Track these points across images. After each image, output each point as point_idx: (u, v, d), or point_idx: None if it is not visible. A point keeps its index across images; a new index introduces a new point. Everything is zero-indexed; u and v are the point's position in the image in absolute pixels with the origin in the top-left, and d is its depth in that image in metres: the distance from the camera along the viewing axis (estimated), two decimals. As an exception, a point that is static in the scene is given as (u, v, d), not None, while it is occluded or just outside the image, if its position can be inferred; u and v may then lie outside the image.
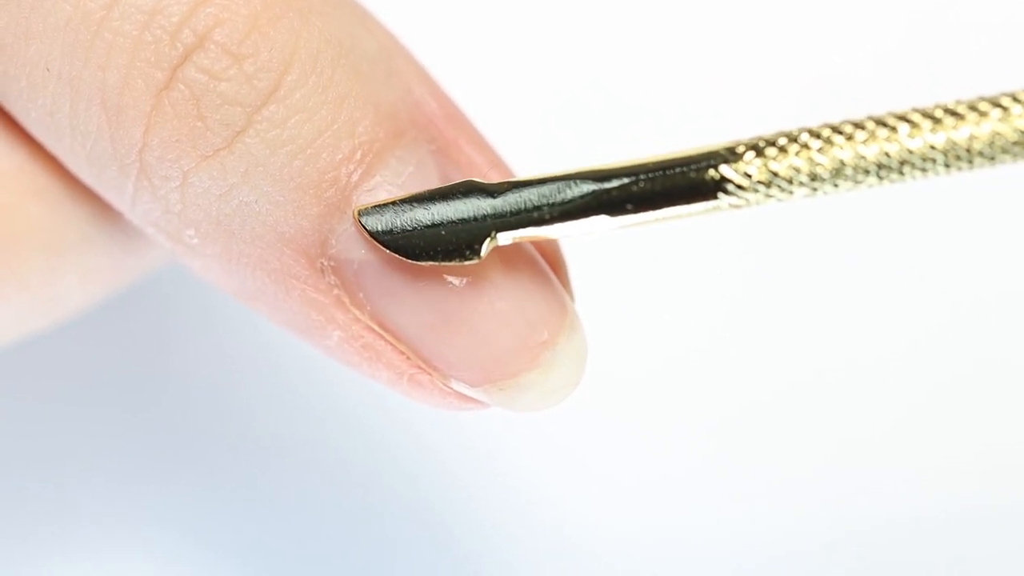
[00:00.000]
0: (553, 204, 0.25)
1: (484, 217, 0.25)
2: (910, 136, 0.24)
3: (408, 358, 0.26)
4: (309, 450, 0.39)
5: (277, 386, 0.39)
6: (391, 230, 0.26)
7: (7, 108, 0.27)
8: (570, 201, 0.25)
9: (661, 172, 0.25)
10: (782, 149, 0.25)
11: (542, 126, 0.40)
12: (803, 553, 0.38)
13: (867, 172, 0.24)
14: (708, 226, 0.37)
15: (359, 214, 0.26)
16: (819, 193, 0.24)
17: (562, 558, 0.38)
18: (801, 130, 0.25)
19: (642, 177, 0.25)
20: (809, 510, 0.39)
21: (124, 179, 0.26)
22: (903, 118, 0.24)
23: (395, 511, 0.38)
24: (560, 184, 0.25)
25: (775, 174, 0.24)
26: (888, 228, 0.39)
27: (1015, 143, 0.24)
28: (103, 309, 0.33)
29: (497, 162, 0.27)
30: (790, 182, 0.24)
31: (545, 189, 0.25)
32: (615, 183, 0.25)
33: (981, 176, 0.24)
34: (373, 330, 0.26)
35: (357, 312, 0.26)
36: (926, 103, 0.24)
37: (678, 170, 0.25)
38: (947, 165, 0.24)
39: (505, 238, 0.26)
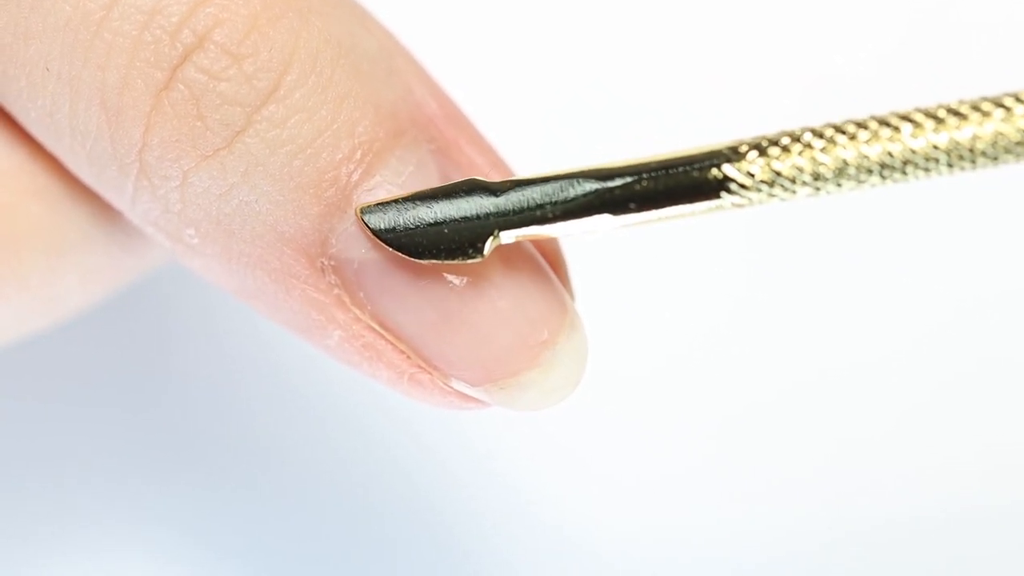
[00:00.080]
0: (556, 203, 0.25)
1: (487, 215, 0.25)
2: (913, 136, 0.24)
3: (408, 357, 0.26)
4: (309, 450, 0.39)
5: (277, 386, 0.39)
6: (394, 228, 0.26)
7: (7, 108, 0.27)
8: (573, 200, 0.25)
9: (664, 171, 0.25)
10: (785, 148, 0.25)
11: (544, 126, 0.40)
12: (803, 553, 0.38)
13: (870, 172, 0.24)
14: (710, 225, 0.37)
15: (362, 212, 0.26)
16: (822, 193, 0.24)
17: (562, 558, 0.38)
18: (804, 129, 0.25)
19: (645, 176, 0.25)
20: (809, 510, 0.39)
21: (124, 179, 0.26)
22: (906, 118, 0.24)
23: (395, 511, 0.38)
24: (563, 183, 0.25)
25: (778, 173, 0.24)
26: (889, 228, 0.39)
27: (1018, 143, 0.24)
28: (103, 309, 0.33)
29: (497, 162, 0.27)
30: (793, 181, 0.24)
31: (548, 188, 0.25)
32: (618, 182, 0.25)
33: (982, 176, 0.24)
34: (373, 329, 0.26)
35: (357, 311, 0.26)
36: (928, 103, 0.24)
37: (681, 169, 0.25)
38: (950, 165, 0.24)
39: (508, 237, 0.26)
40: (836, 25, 0.40)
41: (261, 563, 0.38)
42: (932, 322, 0.39)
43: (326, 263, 0.26)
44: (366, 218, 0.26)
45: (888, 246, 0.40)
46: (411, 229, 0.26)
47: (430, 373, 0.26)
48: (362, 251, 0.26)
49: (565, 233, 0.25)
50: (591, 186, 0.25)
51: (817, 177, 0.24)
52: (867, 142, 0.24)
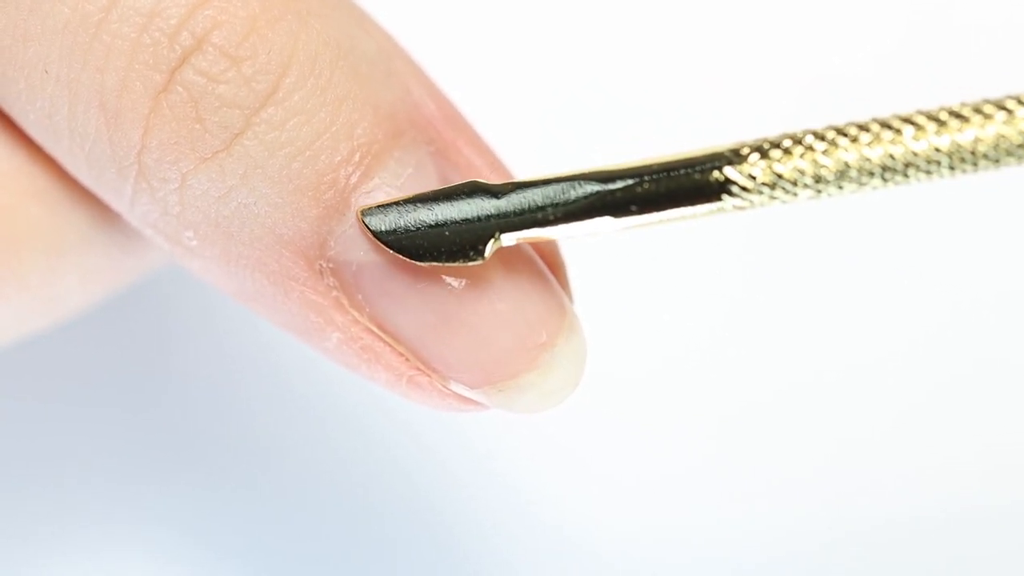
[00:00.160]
0: (557, 205, 0.25)
1: (488, 218, 0.25)
2: (914, 138, 0.24)
3: (407, 360, 0.26)
4: (309, 450, 0.39)
5: (277, 386, 0.39)
6: (395, 230, 0.26)
7: (6, 110, 0.27)
8: (574, 202, 0.25)
9: (665, 173, 0.25)
10: (786, 151, 0.24)
11: (541, 127, 0.40)
12: (803, 553, 0.38)
13: (871, 174, 0.24)
14: (709, 227, 0.37)
15: (363, 214, 0.26)
16: (823, 195, 0.24)
17: (562, 558, 0.38)
18: (805, 132, 0.24)
19: (646, 178, 0.25)
20: (809, 510, 0.39)
21: (123, 181, 0.26)
22: (907, 120, 0.24)
23: (395, 511, 0.38)
24: (564, 185, 0.25)
25: (779, 176, 0.24)
26: (888, 229, 0.39)
27: (1019, 146, 0.23)
28: (103, 309, 0.33)
29: (496, 164, 0.27)
30: (794, 184, 0.24)
31: (549, 190, 0.25)
32: (619, 184, 0.25)
33: (983, 178, 0.24)
34: (372, 332, 0.26)
35: (356, 314, 0.26)
36: (927, 104, 0.24)
37: (682, 172, 0.25)
38: (951, 168, 0.24)
39: (509, 239, 0.26)
40: (834, 25, 0.40)
41: (261, 563, 0.38)
42: (931, 323, 0.39)
43: (325, 265, 0.26)
44: (367, 220, 0.26)
45: (887, 247, 0.40)
46: (412, 231, 0.26)
47: (429, 375, 0.26)
48: (361, 253, 0.26)
49: (566, 235, 0.25)
50: (592, 188, 0.25)
51: (819, 179, 0.24)
52: (869, 144, 0.24)
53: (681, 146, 0.25)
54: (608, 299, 0.39)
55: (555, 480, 0.39)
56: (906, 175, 0.24)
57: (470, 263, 0.26)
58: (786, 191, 0.24)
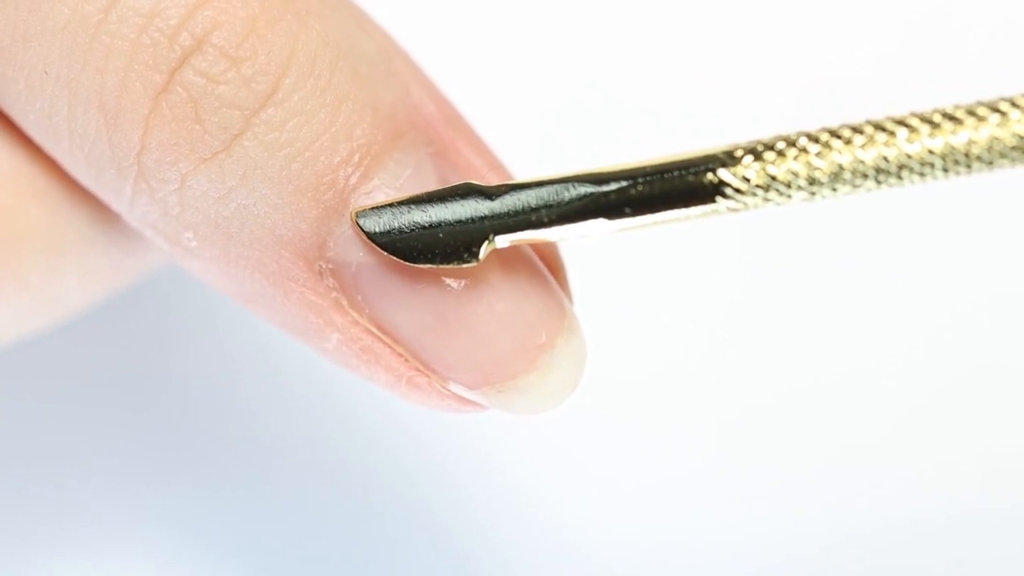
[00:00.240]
0: (551, 207, 0.25)
1: (482, 219, 0.25)
2: (908, 141, 0.24)
3: (406, 360, 0.26)
4: (309, 450, 0.39)
5: (277, 386, 0.39)
6: (388, 232, 0.26)
7: (6, 110, 0.27)
8: (568, 204, 0.25)
9: (659, 175, 0.25)
10: (780, 153, 0.24)
11: (540, 127, 0.40)
12: (803, 556, 0.38)
13: (865, 177, 0.24)
14: (707, 229, 0.37)
15: (357, 215, 0.26)
16: (817, 197, 0.24)
17: (561, 559, 0.38)
18: (799, 134, 0.25)
19: (640, 180, 0.25)
20: (809, 513, 0.38)
21: (122, 182, 0.26)
22: (901, 123, 0.24)
23: (395, 512, 0.38)
24: (558, 187, 0.25)
25: (773, 178, 0.24)
26: (887, 231, 0.39)
27: (1013, 148, 0.23)
28: (103, 309, 0.33)
29: (495, 164, 0.27)
30: (788, 186, 0.24)
31: (543, 192, 0.25)
32: (613, 186, 0.25)
33: (979, 180, 0.24)
34: (371, 333, 0.26)
35: (355, 315, 0.26)
36: (924, 107, 0.24)
37: (676, 174, 0.25)
38: (945, 170, 0.24)
39: (503, 241, 0.26)
40: (832, 25, 0.40)
41: (261, 563, 0.38)
42: (930, 325, 0.39)
43: (324, 266, 0.26)
44: (361, 221, 0.26)
45: (886, 249, 0.39)
46: (406, 233, 0.26)
47: (428, 376, 0.26)
48: (360, 254, 0.26)
49: (560, 237, 0.25)
50: (586, 190, 0.25)
51: (812, 182, 0.24)
52: (863, 146, 0.24)
53: (681, 146, 0.25)
54: (608, 300, 0.39)
55: (554, 481, 0.39)
56: (900, 177, 0.24)
57: (464, 265, 0.26)
58: (780, 193, 0.24)
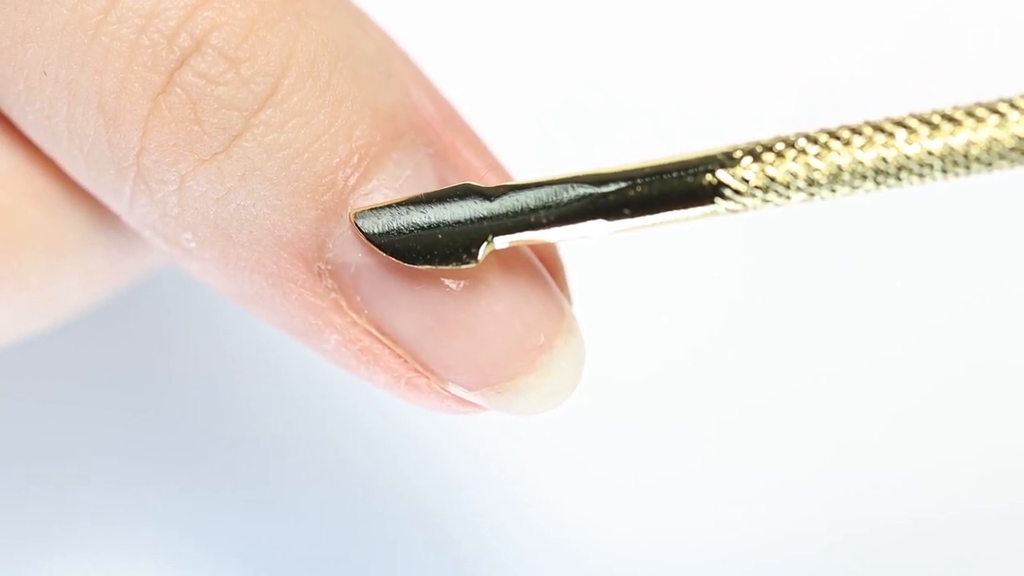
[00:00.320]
0: (550, 208, 0.25)
1: (480, 220, 0.25)
2: (907, 142, 0.24)
3: (405, 361, 0.26)
4: (309, 451, 0.39)
5: (277, 386, 0.39)
6: (387, 233, 0.26)
7: (5, 111, 0.27)
8: (567, 205, 0.25)
9: (658, 177, 0.25)
10: (779, 154, 0.24)
11: (539, 126, 0.40)
12: (801, 556, 0.38)
13: (864, 178, 0.24)
14: (706, 230, 0.37)
15: (355, 216, 0.26)
16: (816, 199, 0.24)
17: (560, 561, 0.38)
18: (798, 135, 0.25)
19: (639, 181, 0.25)
20: (807, 513, 0.39)
21: (122, 182, 0.26)
22: (900, 124, 0.24)
23: (394, 512, 0.38)
24: (557, 188, 0.25)
25: (772, 179, 0.24)
26: (885, 232, 0.39)
27: (1012, 149, 0.23)
28: (103, 309, 0.33)
29: (495, 165, 0.27)
30: (787, 187, 0.24)
31: (542, 193, 0.25)
32: (612, 187, 0.25)
33: (978, 181, 0.24)
34: (370, 334, 0.26)
35: (354, 316, 0.26)
36: (923, 107, 0.24)
37: (675, 175, 0.25)
38: (944, 171, 0.24)
39: (501, 242, 0.26)
40: (832, 25, 0.40)
41: (261, 563, 0.38)
42: (928, 325, 0.39)
43: (323, 267, 0.26)
44: (360, 222, 0.26)
45: (883, 250, 0.39)
46: (404, 234, 0.26)
47: (427, 377, 0.26)
48: (359, 255, 0.26)
49: (559, 238, 0.25)
50: (585, 191, 0.25)
51: (811, 183, 0.24)
52: (862, 148, 0.24)
53: (680, 146, 0.25)
54: (607, 301, 0.39)
55: (553, 482, 0.39)
56: (899, 178, 0.24)
57: (463, 266, 0.26)
58: (779, 194, 0.24)
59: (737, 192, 0.25)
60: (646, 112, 0.40)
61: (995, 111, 0.24)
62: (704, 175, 0.25)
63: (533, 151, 0.37)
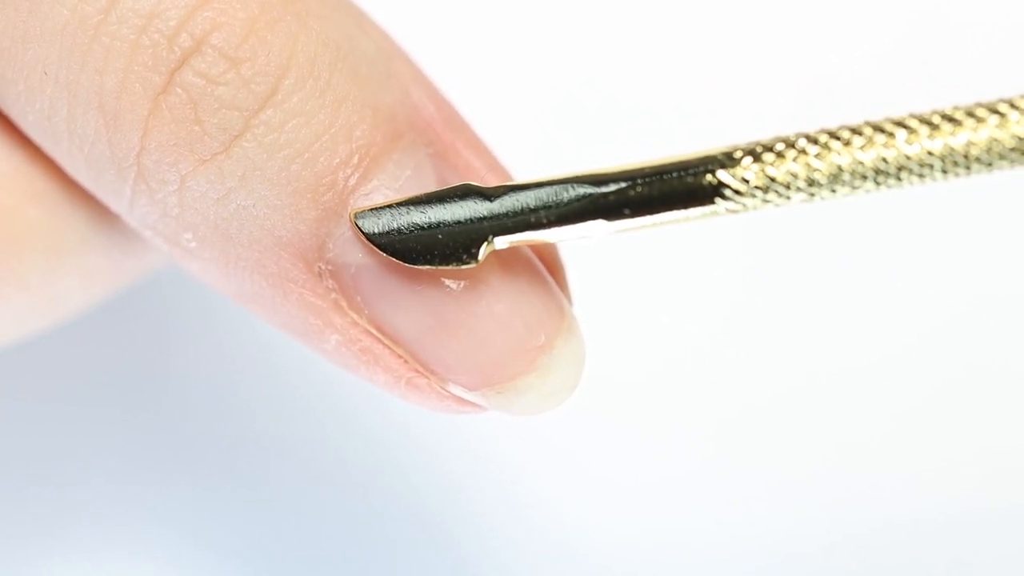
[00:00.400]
0: (550, 208, 0.25)
1: (481, 220, 0.25)
2: (907, 142, 0.24)
3: (406, 362, 0.26)
4: (309, 451, 0.39)
5: (277, 386, 0.39)
6: (388, 233, 0.26)
7: (5, 111, 0.27)
8: (567, 205, 0.25)
9: (658, 177, 0.25)
10: (779, 155, 0.24)
11: (538, 126, 0.40)
12: (801, 556, 0.38)
13: (864, 178, 0.24)
14: (706, 230, 0.37)
15: (355, 216, 0.26)
16: (816, 199, 0.24)
17: (560, 561, 0.38)
18: (798, 135, 0.25)
19: (639, 181, 0.25)
20: (807, 513, 0.39)
21: (122, 182, 0.26)
22: (900, 124, 0.24)
23: (394, 513, 0.38)
24: (557, 188, 0.25)
25: (772, 179, 0.24)
26: (885, 232, 0.39)
27: (1012, 149, 0.24)
28: (103, 310, 0.33)
29: (495, 165, 0.27)
30: (787, 187, 0.24)
31: (542, 193, 0.25)
32: (612, 187, 0.25)
33: (978, 181, 0.24)
34: (371, 334, 0.26)
35: (355, 316, 0.26)
36: (925, 104, 0.24)
37: (675, 175, 0.25)
38: (944, 171, 0.24)
39: (502, 242, 0.26)
40: (832, 25, 0.40)
41: (261, 563, 0.38)
42: (928, 326, 0.39)
43: (323, 267, 0.26)
44: (360, 222, 0.26)
45: (883, 250, 0.40)
46: (404, 234, 0.26)
47: (427, 377, 0.26)
48: (359, 256, 0.26)
49: (559, 238, 0.25)
50: (585, 191, 0.25)
51: (812, 183, 0.24)
52: (862, 148, 0.24)
53: (680, 146, 0.25)
54: (607, 301, 0.39)
55: (553, 482, 0.39)
56: (899, 178, 0.24)
57: (463, 266, 0.26)
58: (779, 195, 0.24)
59: (737, 192, 0.25)
60: (646, 112, 0.40)
61: (995, 111, 0.24)
62: (704, 175, 0.25)
63: (533, 151, 0.37)
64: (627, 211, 0.25)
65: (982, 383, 0.39)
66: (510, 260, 0.26)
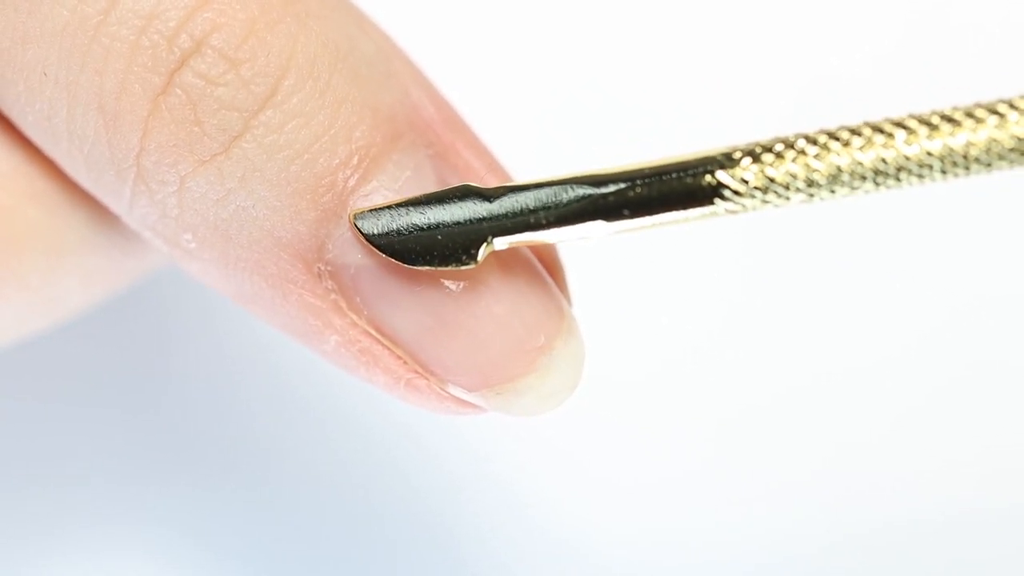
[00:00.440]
0: (549, 208, 0.25)
1: (480, 221, 0.25)
2: (907, 143, 0.24)
3: (405, 363, 0.26)
4: (309, 451, 0.39)
5: (277, 387, 0.39)
6: (387, 234, 0.26)
7: (5, 112, 0.27)
8: (566, 206, 0.25)
9: (657, 177, 0.25)
10: (779, 155, 0.24)
11: (539, 126, 0.40)
12: (801, 556, 0.38)
13: (864, 178, 0.24)
14: (706, 230, 0.37)
15: (355, 217, 0.26)
16: (816, 199, 0.24)
17: (560, 561, 0.38)
18: (798, 136, 0.25)
19: (638, 182, 0.25)
20: (807, 513, 0.39)
21: (121, 183, 0.26)
22: (900, 124, 0.24)
23: (394, 513, 0.38)
24: (556, 189, 0.25)
25: (772, 180, 0.24)
26: (885, 232, 0.39)
27: (1012, 150, 0.24)
28: (103, 310, 0.33)
29: (494, 166, 0.27)
30: (787, 188, 0.24)
31: (541, 193, 0.25)
32: (611, 188, 0.25)
33: (978, 182, 0.24)
34: (370, 335, 0.26)
35: (354, 317, 0.26)
36: (923, 108, 0.24)
37: (674, 175, 0.25)
38: (944, 172, 0.24)
39: (501, 243, 0.26)
40: (832, 26, 0.40)
41: (261, 564, 0.38)
42: (928, 326, 0.39)
43: (323, 268, 0.26)
44: (359, 223, 0.26)
45: (883, 251, 0.40)
46: (404, 235, 0.26)
47: (427, 378, 0.26)
48: (358, 256, 0.26)
49: (558, 239, 0.25)
50: (584, 192, 0.25)
51: (811, 184, 0.24)
52: (861, 148, 0.24)
53: (679, 146, 0.25)
54: (607, 302, 0.39)
55: (553, 483, 0.39)
56: (898, 179, 0.24)
57: (463, 267, 0.26)
58: (778, 195, 0.24)
59: (736, 193, 0.25)
60: (646, 112, 0.40)
61: (994, 112, 0.24)
62: (703, 176, 0.25)
63: (533, 151, 0.37)
64: (626, 212, 0.25)
65: (982, 383, 0.39)
66: (509, 261, 0.26)
